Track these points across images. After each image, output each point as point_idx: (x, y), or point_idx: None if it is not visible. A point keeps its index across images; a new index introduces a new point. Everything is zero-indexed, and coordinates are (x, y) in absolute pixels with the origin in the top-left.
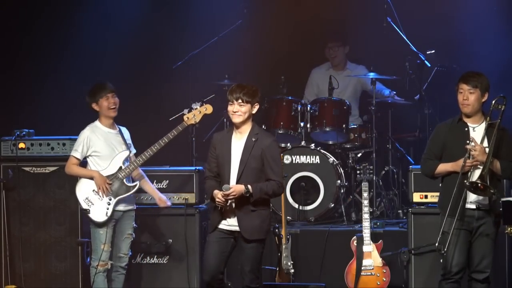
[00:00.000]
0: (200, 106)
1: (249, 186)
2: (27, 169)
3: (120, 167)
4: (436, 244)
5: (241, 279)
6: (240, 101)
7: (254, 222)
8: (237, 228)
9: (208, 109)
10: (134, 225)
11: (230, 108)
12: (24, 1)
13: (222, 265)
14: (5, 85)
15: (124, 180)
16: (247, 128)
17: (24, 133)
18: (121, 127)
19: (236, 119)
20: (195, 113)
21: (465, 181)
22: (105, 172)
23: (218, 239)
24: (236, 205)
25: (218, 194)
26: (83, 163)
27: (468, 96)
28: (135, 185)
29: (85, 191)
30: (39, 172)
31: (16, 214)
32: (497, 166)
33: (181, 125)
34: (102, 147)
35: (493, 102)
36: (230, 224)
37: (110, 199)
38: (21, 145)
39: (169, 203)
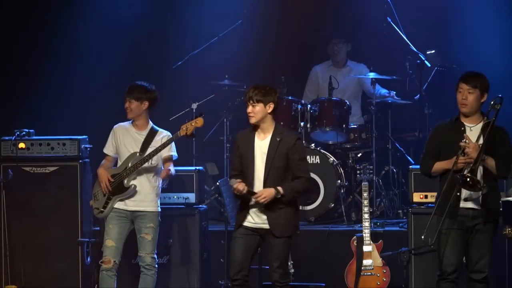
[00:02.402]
0: (194, 119)
1: (279, 188)
2: (27, 169)
3: (126, 168)
4: (422, 237)
5: (270, 275)
6: (251, 101)
7: (282, 220)
8: (263, 226)
9: (199, 122)
10: (151, 225)
11: (247, 110)
12: (24, 0)
13: (248, 260)
14: (5, 85)
15: (124, 181)
16: (269, 128)
17: (24, 133)
18: (160, 131)
19: (251, 120)
20: (188, 126)
21: (456, 175)
22: (115, 170)
23: (243, 235)
24: (265, 204)
25: (237, 185)
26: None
27: (467, 96)
28: (130, 187)
29: (97, 185)
30: (39, 172)
31: (16, 214)
32: (491, 164)
33: (175, 134)
34: (121, 145)
35: (492, 102)
36: (256, 222)
37: (110, 197)
38: (21, 145)
39: (171, 171)
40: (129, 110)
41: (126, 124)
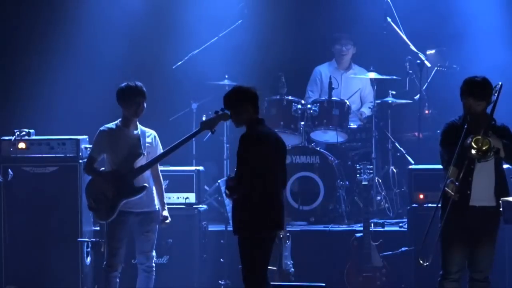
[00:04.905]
0: (218, 114)
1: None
2: (27, 169)
3: (132, 169)
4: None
5: None
6: None
7: (237, 217)
8: None
9: (225, 117)
10: (152, 225)
11: None
12: (24, 1)
13: None
14: (5, 85)
15: (134, 182)
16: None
17: (24, 133)
18: (148, 130)
19: None
20: (213, 121)
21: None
22: (118, 172)
23: None
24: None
25: None
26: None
27: (476, 108)
28: (142, 188)
29: (92, 190)
30: (39, 172)
31: (16, 214)
32: (497, 143)
33: (198, 130)
34: (114, 146)
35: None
36: None
37: (117, 200)
38: (21, 145)
39: (167, 221)
40: (141, 110)
41: (113, 125)
